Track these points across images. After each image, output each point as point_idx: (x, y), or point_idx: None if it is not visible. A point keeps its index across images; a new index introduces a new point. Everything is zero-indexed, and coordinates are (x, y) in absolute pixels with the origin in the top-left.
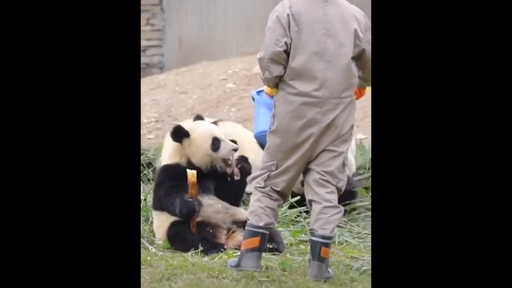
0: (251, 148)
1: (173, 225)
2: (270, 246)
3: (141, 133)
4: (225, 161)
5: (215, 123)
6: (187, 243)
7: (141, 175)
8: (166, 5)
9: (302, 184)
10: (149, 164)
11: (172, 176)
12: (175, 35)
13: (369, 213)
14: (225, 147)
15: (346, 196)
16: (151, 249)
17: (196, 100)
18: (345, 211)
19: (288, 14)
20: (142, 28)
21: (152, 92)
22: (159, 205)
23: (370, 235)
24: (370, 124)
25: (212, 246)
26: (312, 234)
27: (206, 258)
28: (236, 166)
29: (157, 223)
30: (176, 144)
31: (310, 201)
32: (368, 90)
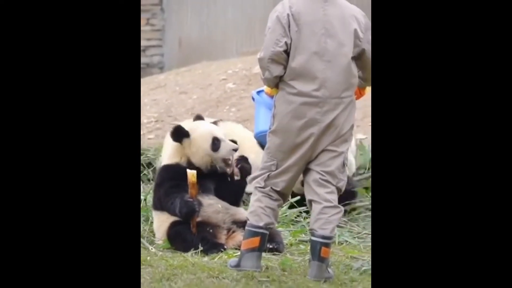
0: (251, 148)
1: (173, 225)
2: (270, 246)
3: (141, 133)
4: (225, 161)
5: (215, 123)
6: (187, 243)
7: (141, 175)
8: (166, 5)
9: (302, 184)
10: (149, 164)
11: (172, 176)
12: (175, 35)
13: (369, 213)
14: (225, 147)
15: (346, 196)
16: (151, 249)
17: (196, 100)
18: (345, 211)
19: (288, 14)
20: (142, 28)
21: (152, 92)
22: (159, 205)
23: (370, 235)
24: (370, 124)
25: (212, 246)
26: (312, 234)
27: (206, 258)
28: (236, 166)
29: (157, 223)
30: (176, 144)
31: (310, 201)
32: (368, 90)
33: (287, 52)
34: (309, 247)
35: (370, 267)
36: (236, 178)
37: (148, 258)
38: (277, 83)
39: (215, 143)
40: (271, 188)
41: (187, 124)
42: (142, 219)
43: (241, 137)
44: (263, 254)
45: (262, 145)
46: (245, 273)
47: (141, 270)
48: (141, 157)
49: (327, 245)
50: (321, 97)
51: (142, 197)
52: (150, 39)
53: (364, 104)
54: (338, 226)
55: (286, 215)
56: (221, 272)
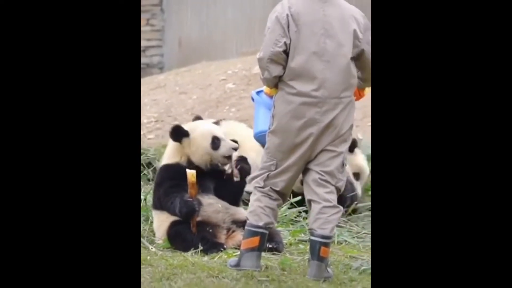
0: (253, 147)
1: (173, 225)
2: (270, 246)
3: (141, 133)
4: (225, 158)
5: (217, 122)
6: (187, 242)
7: (141, 175)
8: (166, 5)
9: (302, 183)
10: (149, 164)
11: (172, 176)
12: (175, 35)
13: (369, 213)
14: (225, 145)
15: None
16: (151, 248)
17: (196, 100)
18: (345, 211)
19: (287, 15)
20: (142, 28)
21: (152, 92)
22: (159, 204)
23: (370, 235)
24: (370, 124)
25: (212, 246)
26: (312, 234)
27: (206, 258)
28: (236, 167)
29: (157, 223)
30: (175, 143)
31: (309, 201)
32: (368, 90)
33: (286, 52)
34: (308, 247)
35: (369, 266)
36: (235, 179)
37: (148, 257)
38: (276, 83)
39: (215, 141)
40: (271, 188)
41: (188, 125)
42: (142, 218)
43: (243, 136)
44: (263, 253)
45: (263, 144)
46: (244, 273)
47: (141, 269)
48: (141, 157)
49: (326, 245)
50: (320, 97)
51: (142, 197)
52: (150, 39)
53: (364, 104)
54: (337, 226)
55: (285, 215)
56: (221, 272)
